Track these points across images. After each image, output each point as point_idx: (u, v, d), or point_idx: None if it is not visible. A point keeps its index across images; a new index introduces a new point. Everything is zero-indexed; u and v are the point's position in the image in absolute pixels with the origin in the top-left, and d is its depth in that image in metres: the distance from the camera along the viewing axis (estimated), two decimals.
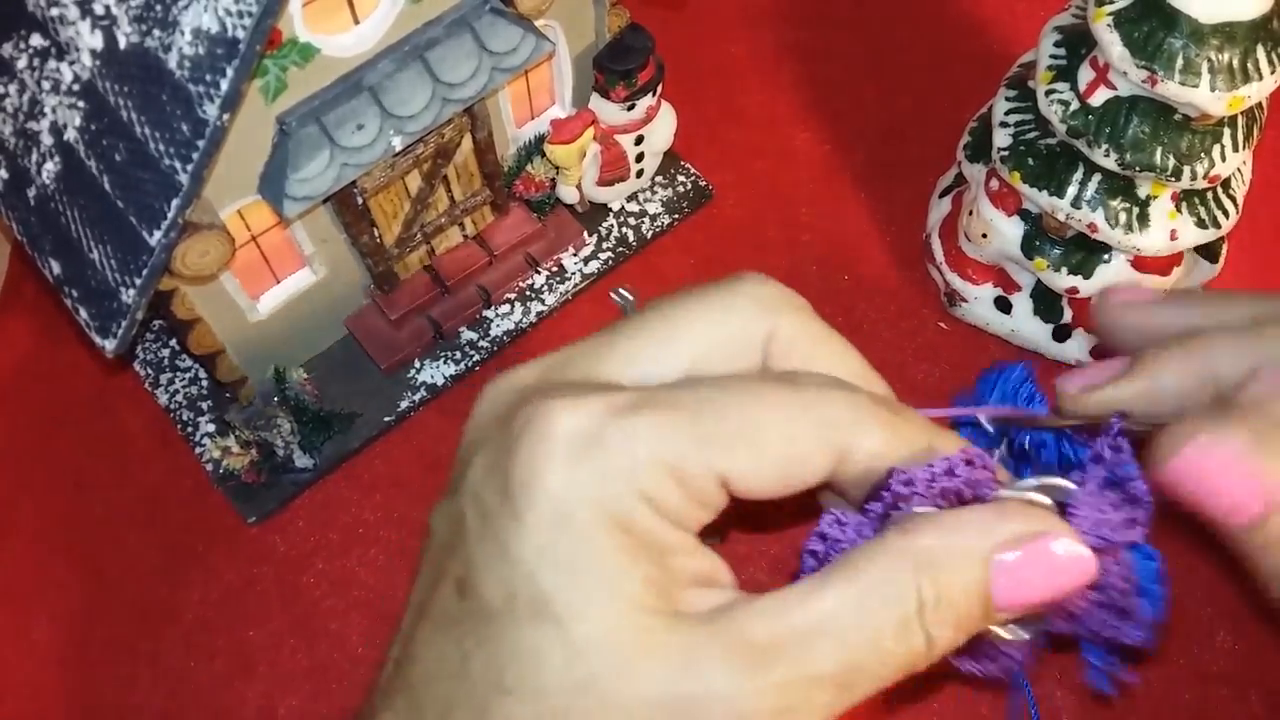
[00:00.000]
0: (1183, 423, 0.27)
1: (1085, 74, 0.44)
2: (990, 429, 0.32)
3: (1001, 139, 0.48)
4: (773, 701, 0.25)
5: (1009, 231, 0.50)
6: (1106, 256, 0.48)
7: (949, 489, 0.27)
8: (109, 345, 0.42)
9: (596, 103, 0.54)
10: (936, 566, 0.26)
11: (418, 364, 0.55)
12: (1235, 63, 0.40)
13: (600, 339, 0.29)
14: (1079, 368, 0.31)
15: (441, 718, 0.26)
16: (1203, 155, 0.43)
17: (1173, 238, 0.46)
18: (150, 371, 0.55)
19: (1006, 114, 0.48)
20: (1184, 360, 0.29)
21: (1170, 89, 0.41)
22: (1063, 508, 0.28)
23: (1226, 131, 0.43)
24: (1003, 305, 0.53)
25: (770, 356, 0.29)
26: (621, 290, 0.33)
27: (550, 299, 0.56)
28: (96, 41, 0.39)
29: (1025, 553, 0.26)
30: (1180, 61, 0.40)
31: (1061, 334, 0.52)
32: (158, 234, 0.39)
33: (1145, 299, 0.32)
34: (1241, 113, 0.43)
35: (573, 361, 0.29)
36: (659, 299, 0.30)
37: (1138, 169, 0.44)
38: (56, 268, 0.43)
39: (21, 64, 0.42)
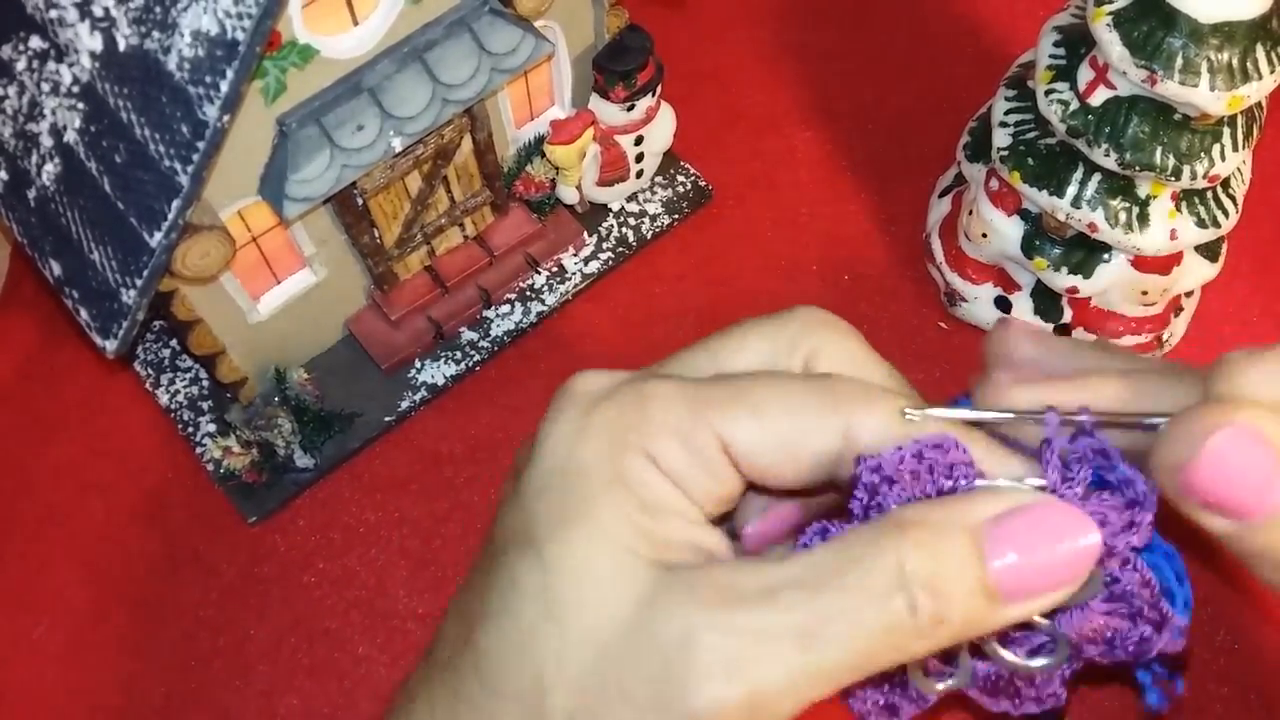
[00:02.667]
0: (1198, 412, 0.24)
1: (1085, 74, 0.44)
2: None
3: (1001, 139, 0.48)
4: (732, 644, 0.24)
5: (1009, 231, 0.50)
6: (1106, 256, 0.48)
7: (921, 473, 0.26)
8: (110, 346, 0.42)
9: (596, 103, 0.54)
10: (921, 529, 0.25)
11: (418, 364, 0.55)
12: (1234, 62, 0.40)
13: (668, 358, 0.31)
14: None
15: (446, 655, 0.28)
16: (1202, 155, 0.43)
17: (1172, 237, 0.46)
18: (151, 372, 0.55)
19: (1006, 114, 0.48)
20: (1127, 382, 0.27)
21: (1170, 88, 0.41)
22: None
23: (1226, 131, 0.43)
24: (1003, 305, 0.53)
25: (810, 370, 0.29)
26: None
27: (550, 299, 0.56)
28: (96, 43, 0.39)
29: (1018, 519, 0.25)
30: (1180, 61, 0.40)
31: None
32: (158, 235, 0.39)
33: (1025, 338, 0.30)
34: (1241, 112, 0.43)
35: (640, 373, 0.30)
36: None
37: (1137, 169, 0.44)
38: (57, 269, 0.43)
39: (21, 66, 0.42)
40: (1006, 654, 0.27)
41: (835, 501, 0.31)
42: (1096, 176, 0.46)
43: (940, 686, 0.28)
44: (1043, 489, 0.26)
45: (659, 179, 0.59)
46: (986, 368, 0.30)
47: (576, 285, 0.57)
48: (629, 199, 0.59)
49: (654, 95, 0.54)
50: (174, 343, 0.56)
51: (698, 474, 0.27)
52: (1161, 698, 0.29)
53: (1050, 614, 0.27)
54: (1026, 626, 0.28)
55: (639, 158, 0.57)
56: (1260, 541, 0.25)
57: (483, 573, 0.28)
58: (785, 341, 0.29)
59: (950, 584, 0.25)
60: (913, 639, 0.25)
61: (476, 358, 0.55)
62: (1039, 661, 0.27)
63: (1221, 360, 0.25)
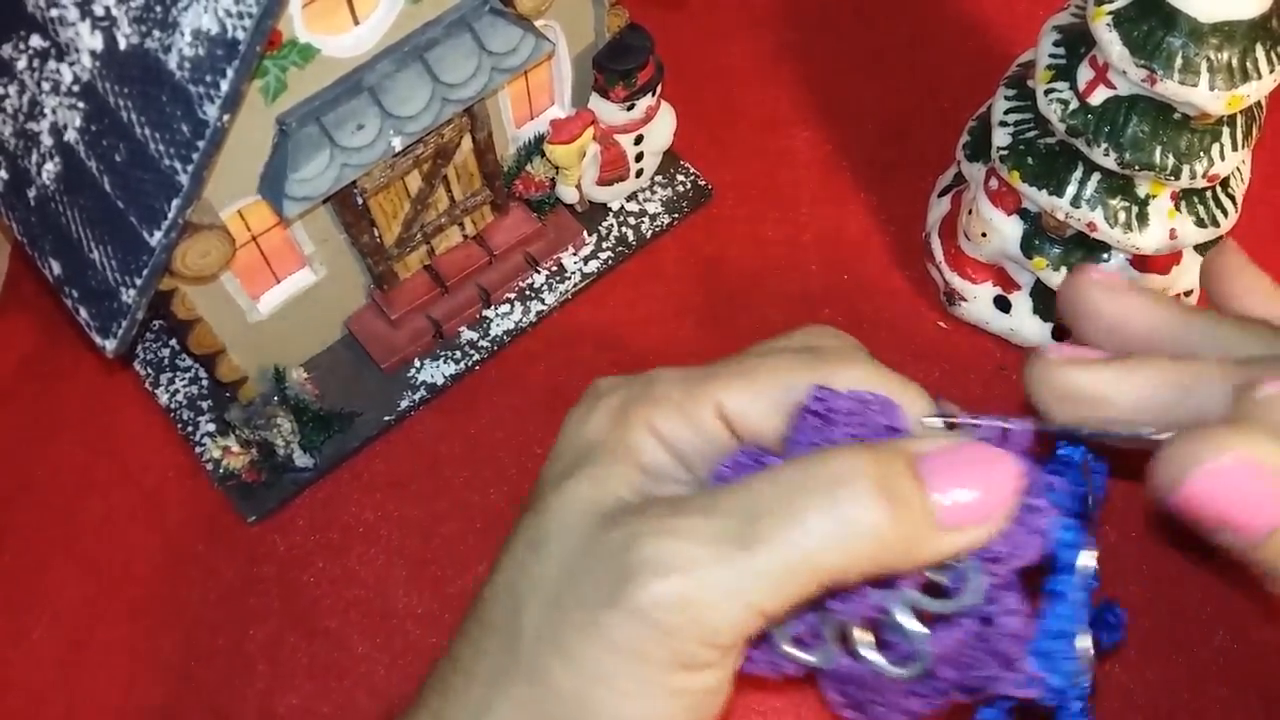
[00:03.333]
0: (1192, 437, 0.25)
1: (1084, 73, 0.44)
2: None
3: (1001, 138, 0.48)
4: (669, 543, 0.26)
5: (1008, 230, 0.50)
6: (1106, 255, 0.48)
7: (866, 417, 0.28)
8: (109, 345, 0.42)
9: (596, 103, 0.54)
10: (868, 448, 0.27)
11: (418, 363, 0.55)
12: (1234, 62, 0.40)
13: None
14: (1068, 345, 0.30)
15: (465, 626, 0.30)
16: (1202, 154, 0.43)
17: (1172, 237, 0.46)
18: (150, 371, 0.55)
19: (1006, 113, 0.48)
20: (1176, 372, 0.27)
21: (1169, 88, 0.41)
22: None
23: (1225, 130, 0.43)
24: (1002, 304, 0.53)
25: None
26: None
27: (550, 298, 0.56)
28: (96, 42, 0.39)
29: (950, 451, 0.27)
30: (1179, 60, 0.40)
31: (1061, 333, 0.53)
32: (158, 234, 0.39)
33: (1120, 285, 0.30)
34: (1241, 112, 0.43)
35: None
36: None
37: (1137, 168, 0.44)
38: (57, 268, 0.43)
39: (21, 65, 0.42)
40: (872, 653, 0.28)
41: None
42: (1096, 176, 0.46)
43: (797, 653, 0.28)
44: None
45: (659, 178, 0.60)
46: (1061, 316, 0.32)
47: (576, 284, 0.57)
48: (629, 198, 0.59)
49: (654, 95, 0.54)
50: (173, 342, 0.56)
51: (697, 441, 0.30)
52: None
53: (928, 624, 0.28)
54: (898, 633, 0.28)
55: (639, 157, 0.57)
56: (1261, 557, 0.26)
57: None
58: (797, 343, 0.32)
59: (902, 490, 0.26)
60: (865, 541, 0.25)
61: (476, 357, 0.55)
62: (898, 669, 0.28)
63: (1251, 385, 0.26)
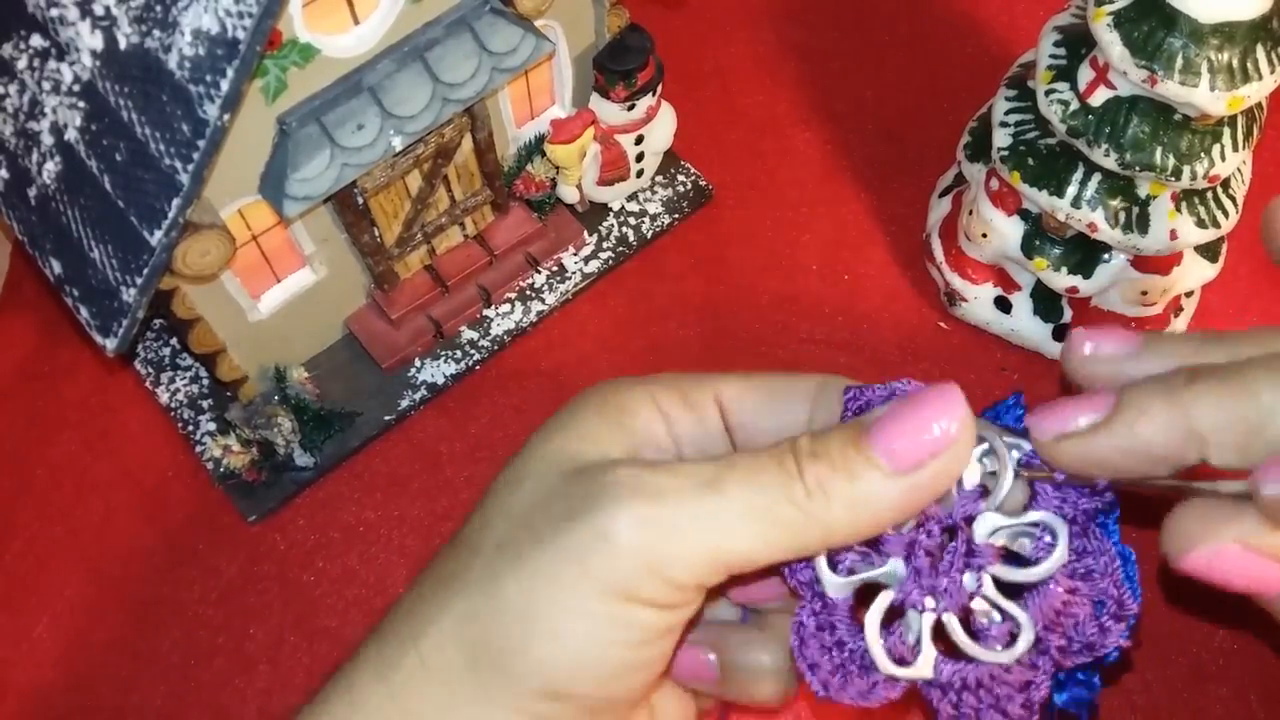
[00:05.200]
0: (1188, 515, 0.27)
1: (1085, 74, 0.44)
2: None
3: (1001, 139, 0.48)
4: (644, 475, 0.28)
5: (1009, 231, 0.50)
6: (1106, 256, 0.48)
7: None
8: (110, 344, 0.42)
9: (596, 103, 0.54)
10: (813, 434, 0.28)
11: (418, 363, 0.55)
12: (1235, 62, 0.40)
13: None
14: (1052, 404, 0.29)
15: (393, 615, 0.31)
16: (1202, 155, 0.43)
17: (1172, 237, 0.46)
18: (151, 370, 0.55)
19: (1006, 114, 0.48)
20: (1166, 413, 0.27)
21: (1170, 89, 0.41)
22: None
23: (1226, 131, 0.43)
24: (1003, 305, 0.53)
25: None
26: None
27: (550, 298, 0.56)
28: (96, 42, 0.39)
29: (897, 403, 0.28)
30: (1180, 61, 0.40)
31: (1061, 334, 0.53)
32: (158, 233, 0.39)
33: (1115, 347, 0.30)
34: (1241, 112, 0.43)
35: None
36: None
37: (1138, 169, 0.44)
38: (57, 267, 0.43)
39: (22, 64, 0.42)
40: (975, 645, 0.28)
41: None
42: (1096, 176, 0.46)
43: (900, 671, 0.28)
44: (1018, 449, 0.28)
45: (659, 178, 0.60)
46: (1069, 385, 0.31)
47: (577, 284, 0.57)
48: (629, 198, 0.59)
49: (654, 95, 0.54)
50: (174, 341, 0.56)
51: (692, 426, 0.31)
52: (1077, 700, 0.29)
53: (1016, 595, 0.28)
54: (997, 612, 0.28)
55: (639, 157, 0.57)
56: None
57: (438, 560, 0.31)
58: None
59: (831, 448, 0.28)
60: (804, 497, 0.27)
61: (476, 357, 0.55)
62: (1006, 653, 0.28)
63: (1261, 479, 0.25)
